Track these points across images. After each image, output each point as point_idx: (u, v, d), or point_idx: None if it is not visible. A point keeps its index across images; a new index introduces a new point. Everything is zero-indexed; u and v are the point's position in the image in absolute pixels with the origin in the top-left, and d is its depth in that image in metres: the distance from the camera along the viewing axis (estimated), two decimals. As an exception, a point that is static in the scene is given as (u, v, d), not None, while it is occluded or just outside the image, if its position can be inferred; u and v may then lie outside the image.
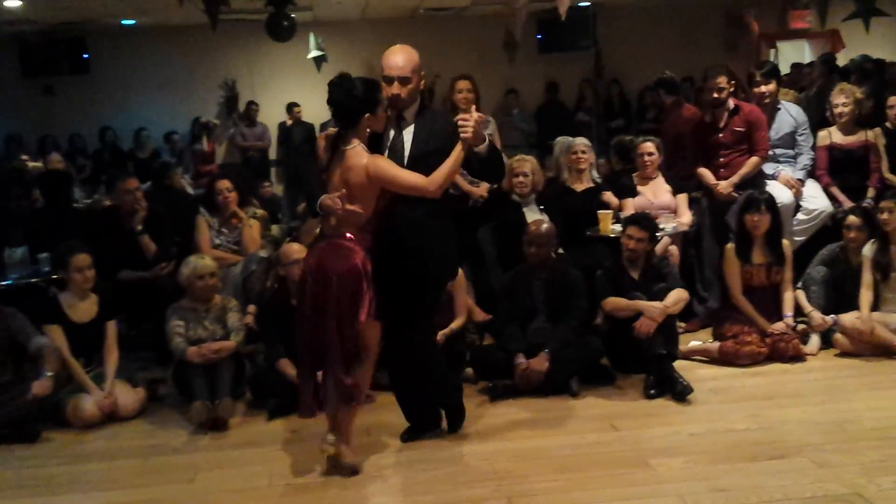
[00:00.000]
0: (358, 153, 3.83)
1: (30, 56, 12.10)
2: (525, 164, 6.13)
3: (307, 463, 4.23)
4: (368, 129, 3.95)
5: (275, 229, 6.71)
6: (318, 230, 4.22)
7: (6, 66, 12.11)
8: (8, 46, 12.01)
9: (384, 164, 3.86)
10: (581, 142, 6.56)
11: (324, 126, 11.18)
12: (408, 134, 4.06)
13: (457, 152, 3.86)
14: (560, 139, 6.98)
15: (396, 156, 4.02)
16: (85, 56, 12.33)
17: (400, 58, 4.01)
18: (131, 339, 6.12)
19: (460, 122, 3.86)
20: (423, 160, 3.93)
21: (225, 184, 6.28)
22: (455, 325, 5.41)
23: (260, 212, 6.62)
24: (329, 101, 3.87)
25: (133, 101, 12.43)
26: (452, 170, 3.89)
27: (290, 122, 11.89)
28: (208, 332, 5.17)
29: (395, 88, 3.99)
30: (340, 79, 3.86)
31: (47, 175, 7.42)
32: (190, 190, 9.38)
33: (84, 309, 5.23)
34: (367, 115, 3.86)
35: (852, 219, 5.72)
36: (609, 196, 6.37)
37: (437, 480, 3.97)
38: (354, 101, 3.83)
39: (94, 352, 5.21)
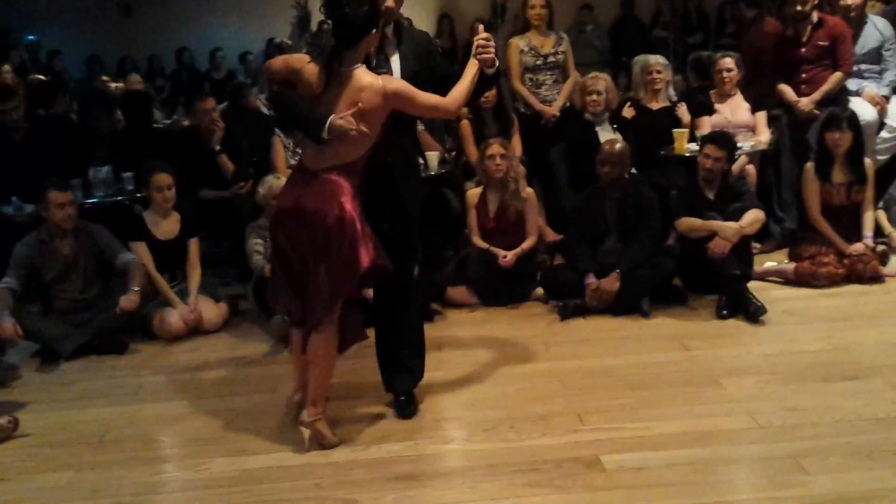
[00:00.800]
0: (367, 73, 3.44)
1: (106, -24, 12.23)
2: (598, 83, 6.04)
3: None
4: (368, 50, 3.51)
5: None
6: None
7: (84, -12, 12.27)
8: (84, -32, 12.15)
9: (402, 84, 3.48)
10: (657, 60, 6.43)
11: (243, 57, 11.19)
12: (394, 55, 3.67)
13: (473, 73, 3.55)
14: (639, 58, 6.83)
15: None
16: (160, -24, 12.40)
17: None
18: (212, 255, 6.32)
19: (482, 43, 3.54)
20: (412, 83, 3.54)
21: (299, 104, 6.33)
22: (526, 245, 5.44)
23: (334, 131, 6.66)
24: (331, 17, 3.47)
25: (208, 22, 12.50)
26: (470, 90, 3.56)
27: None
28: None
29: (391, 1, 3.57)
30: None
31: (129, 96, 7.57)
32: (265, 110, 9.47)
33: (167, 227, 5.41)
34: (372, 31, 3.43)
35: (937, 136, 5.53)
36: (682, 111, 6.25)
37: (507, 396, 4.05)
38: (361, 16, 3.37)
39: (178, 268, 5.42)
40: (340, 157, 3.47)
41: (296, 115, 3.55)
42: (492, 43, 3.58)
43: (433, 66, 3.75)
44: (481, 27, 3.67)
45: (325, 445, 3.61)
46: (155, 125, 8.19)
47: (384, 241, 3.61)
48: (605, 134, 5.92)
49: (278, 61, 3.62)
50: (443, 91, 3.56)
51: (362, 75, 3.43)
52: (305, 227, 3.47)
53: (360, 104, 3.38)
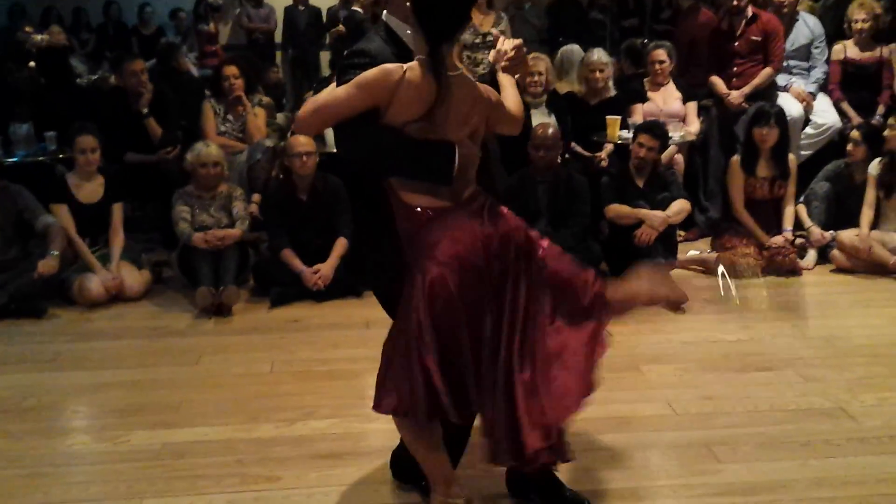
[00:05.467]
0: (471, 79, 2.62)
1: (32, -77, 11.73)
2: (539, 64, 6.03)
3: (309, 351, 4.35)
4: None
5: (280, 118, 6.67)
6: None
7: (8, -67, 11.74)
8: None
9: (492, 89, 2.72)
10: (599, 58, 6.22)
11: (331, 12, 10.96)
12: None
13: (511, 81, 2.87)
14: (567, 49, 6.80)
15: None
16: (88, -76, 11.94)
17: None
18: (136, 220, 6.18)
19: (512, 47, 2.90)
20: None
21: (232, 70, 6.22)
22: (457, 224, 5.43)
23: (266, 99, 6.57)
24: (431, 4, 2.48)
25: (138, -25, 12.12)
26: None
27: (297, 6, 11.64)
28: (213, 220, 5.21)
29: None
30: None
31: (45, 52, 7.28)
32: (194, 71, 9.26)
33: (90, 190, 5.27)
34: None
35: (854, 133, 5.70)
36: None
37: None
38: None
39: (100, 233, 5.29)
40: (474, 176, 2.65)
41: (408, 152, 2.53)
42: (524, 51, 2.96)
43: None
44: (498, 33, 3.26)
45: None
46: (79, 80, 7.95)
47: None
48: (540, 117, 5.93)
49: (342, 92, 2.51)
50: None
51: (468, 82, 2.58)
52: (508, 250, 2.58)
53: (475, 118, 2.59)
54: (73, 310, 5.04)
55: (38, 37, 8.35)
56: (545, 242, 2.72)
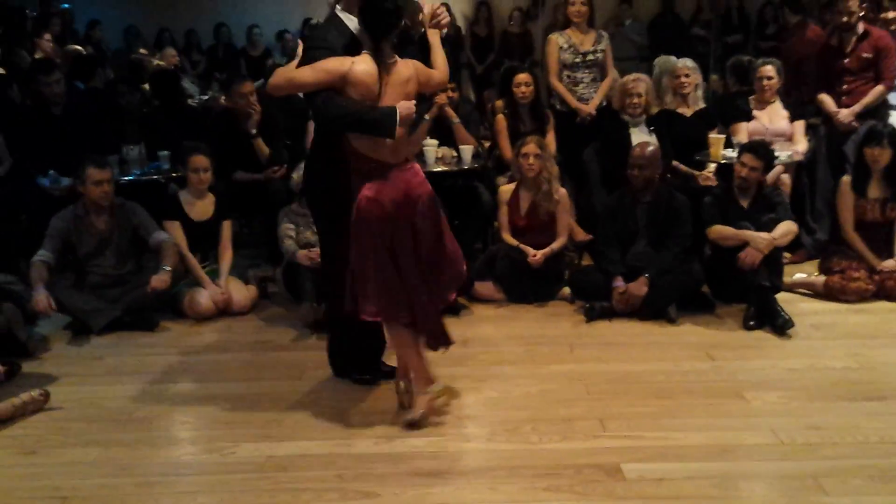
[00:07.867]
0: (402, 62, 3.62)
1: (147, -53, 12.27)
2: (640, 85, 5.99)
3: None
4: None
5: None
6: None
7: (125, -42, 12.31)
8: (126, -61, 12.19)
9: (422, 66, 3.71)
10: (684, 64, 6.28)
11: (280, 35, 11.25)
12: None
13: (438, 40, 3.80)
14: (661, 60, 6.75)
15: None
16: (202, -51, 12.42)
17: None
18: (243, 236, 6.36)
19: (439, 11, 3.84)
20: None
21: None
22: (555, 245, 5.43)
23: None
24: (372, 9, 3.52)
25: (247, -2, 12.53)
26: (444, 56, 3.81)
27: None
28: (317, 237, 5.33)
29: None
30: None
31: (157, 75, 7.57)
32: (300, 94, 9.48)
33: (202, 208, 5.47)
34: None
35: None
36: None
37: (530, 397, 4.08)
38: (398, 8, 3.56)
39: (210, 249, 5.48)
40: (411, 145, 3.75)
41: (362, 116, 3.53)
42: (444, 9, 3.89)
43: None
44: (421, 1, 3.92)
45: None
46: (190, 100, 8.24)
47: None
48: (640, 136, 5.88)
49: (308, 73, 3.58)
50: None
51: (404, 65, 3.62)
52: (424, 214, 3.64)
53: (409, 94, 3.60)
54: (183, 323, 5.23)
55: (156, 61, 8.71)
56: (444, 220, 3.80)
